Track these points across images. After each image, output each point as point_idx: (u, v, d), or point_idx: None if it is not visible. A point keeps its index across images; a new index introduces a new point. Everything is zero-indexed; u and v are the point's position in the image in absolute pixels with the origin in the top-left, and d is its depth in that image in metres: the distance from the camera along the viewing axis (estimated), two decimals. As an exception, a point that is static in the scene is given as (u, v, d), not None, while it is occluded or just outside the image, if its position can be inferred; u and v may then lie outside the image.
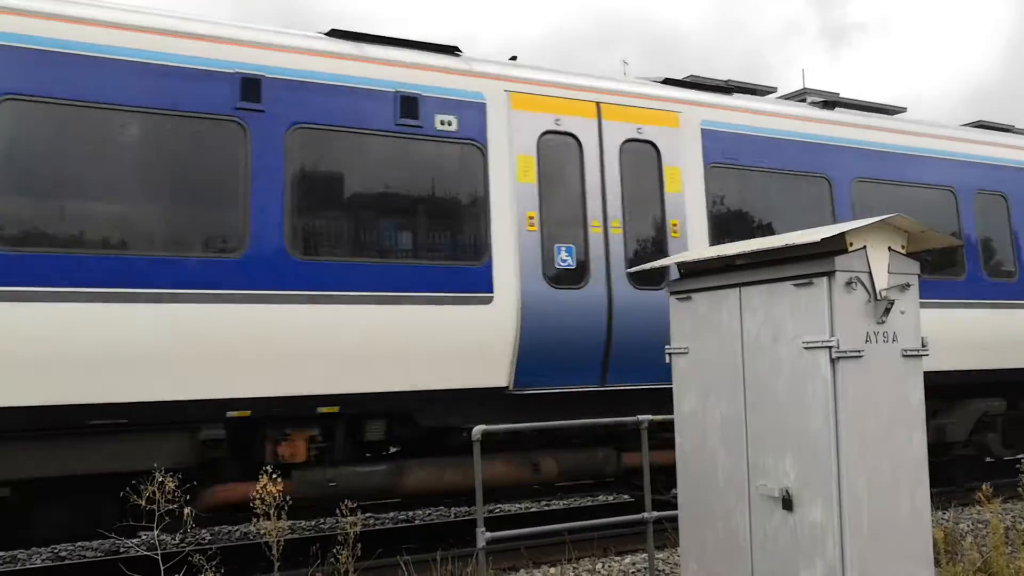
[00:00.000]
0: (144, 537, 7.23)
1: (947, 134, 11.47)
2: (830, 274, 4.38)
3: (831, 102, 11.19)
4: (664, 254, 8.77)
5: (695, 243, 9.13)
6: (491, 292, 8.06)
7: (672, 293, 5.44)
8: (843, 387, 4.33)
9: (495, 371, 8.10)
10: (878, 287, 4.47)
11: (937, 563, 6.00)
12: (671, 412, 8.57)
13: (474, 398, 8.09)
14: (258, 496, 5.35)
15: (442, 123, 8.08)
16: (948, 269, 10.91)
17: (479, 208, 8.19)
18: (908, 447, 4.53)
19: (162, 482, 5.23)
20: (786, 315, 4.58)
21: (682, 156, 9.23)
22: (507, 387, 8.14)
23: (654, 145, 9.07)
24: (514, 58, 9.39)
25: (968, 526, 8.88)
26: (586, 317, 8.44)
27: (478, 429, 6.18)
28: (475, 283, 8.04)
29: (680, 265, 5.56)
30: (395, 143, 7.88)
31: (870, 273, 4.47)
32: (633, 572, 7.66)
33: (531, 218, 8.35)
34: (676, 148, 9.20)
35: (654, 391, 8.68)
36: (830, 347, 4.33)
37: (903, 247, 4.67)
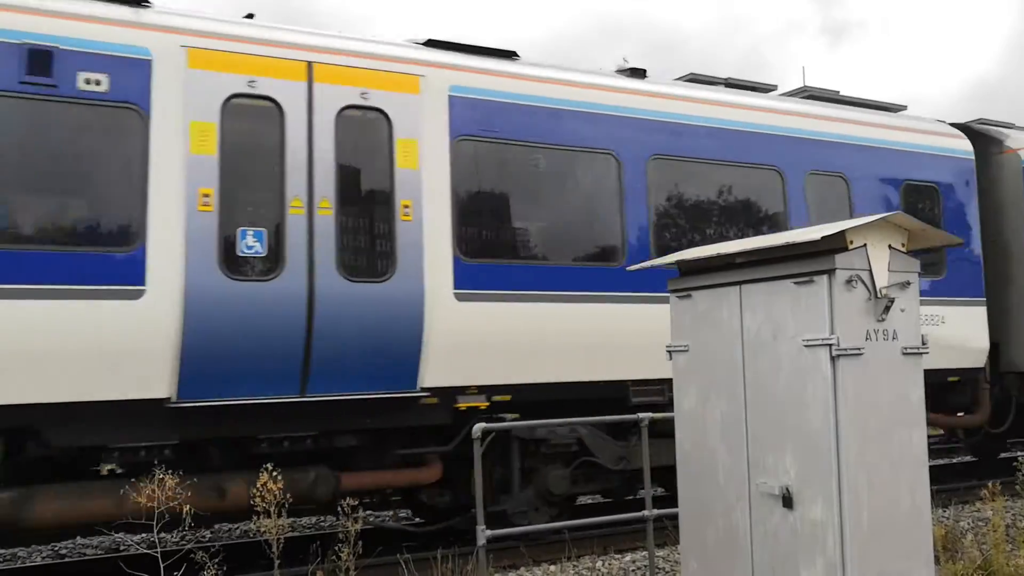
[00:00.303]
0: (144, 535, 7.23)
1: (775, 107, 10.34)
2: (830, 272, 4.38)
3: (642, 70, 9.86)
4: (391, 239, 7.72)
5: (433, 227, 7.94)
6: (142, 284, 6.84)
7: (672, 291, 5.43)
8: (843, 385, 4.33)
9: (150, 379, 6.86)
10: (878, 285, 4.47)
11: (937, 561, 6.00)
12: (401, 423, 7.53)
13: (124, 411, 6.86)
14: (258, 494, 5.36)
15: (88, 82, 6.86)
16: None
17: (133, 184, 6.94)
18: (908, 445, 4.53)
19: (161, 479, 5.24)
20: (786, 313, 4.58)
21: (422, 126, 7.99)
22: (169, 398, 6.95)
23: (384, 113, 7.86)
24: (251, 16, 8.22)
25: (968, 524, 8.88)
26: (279, 314, 7.21)
27: (478, 427, 6.12)
28: (119, 273, 6.80)
29: (680, 263, 5.56)
30: (18, 104, 6.70)
31: (870, 271, 4.47)
32: (633, 570, 7.66)
33: (206, 196, 7.08)
34: (414, 117, 7.96)
35: (382, 401, 7.67)
36: (830, 345, 4.33)
37: (903, 245, 4.67)
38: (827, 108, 10.84)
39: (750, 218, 9.87)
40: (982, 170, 11.76)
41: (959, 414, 11.60)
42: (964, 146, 11.60)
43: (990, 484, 7.47)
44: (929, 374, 10.75)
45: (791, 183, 9.97)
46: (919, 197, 11.00)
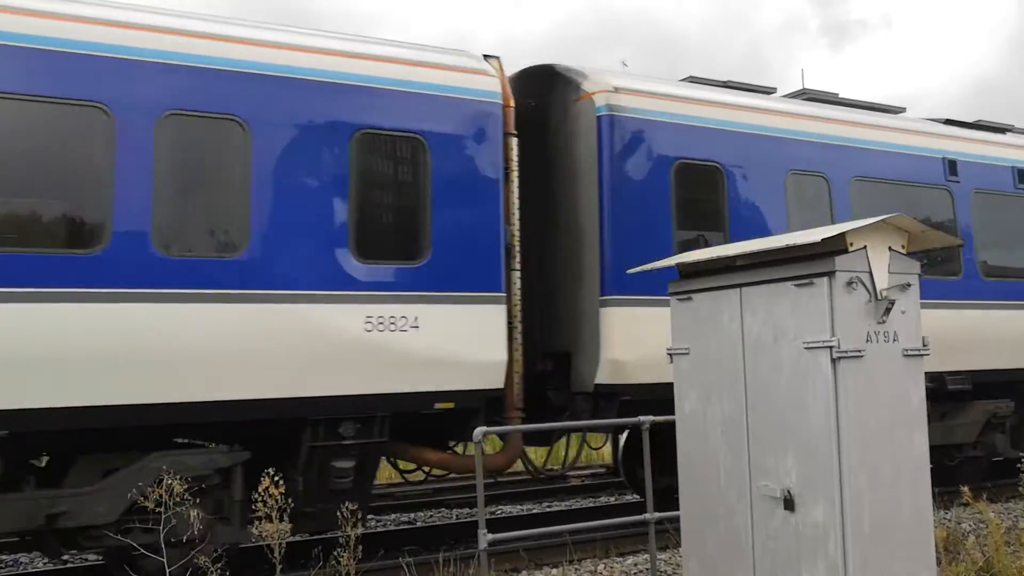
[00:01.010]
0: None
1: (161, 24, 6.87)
2: (831, 274, 4.39)
3: None
4: None
5: None
6: None
7: (673, 293, 5.44)
8: (844, 387, 4.34)
9: None
10: (878, 287, 4.47)
11: (939, 563, 6.00)
12: None
13: None
14: (260, 499, 5.36)
15: None
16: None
17: None
18: (909, 446, 4.53)
19: (170, 485, 5.24)
20: (787, 315, 4.58)
21: None
22: None
23: None
24: None
25: (970, 526, 8.87)
26: None
27: (479, 430, 6.20)
28: None
29: (681, 266, 5.57)
30: None
31: (870, 273, 4.48)
32: (635, 573, 7.66)
33: None
34: None
35: None
36: (831, 347, 4.34)
37: (903, 247, 4.68)
38: (201, 23, 7.11)
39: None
40: (559, 124, 9.05)
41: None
42: (484, 85, 8.06)
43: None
44: (396, 400, 7.38)
45: (125, 128, 6.52)
46: (387, 152, 7.66)
